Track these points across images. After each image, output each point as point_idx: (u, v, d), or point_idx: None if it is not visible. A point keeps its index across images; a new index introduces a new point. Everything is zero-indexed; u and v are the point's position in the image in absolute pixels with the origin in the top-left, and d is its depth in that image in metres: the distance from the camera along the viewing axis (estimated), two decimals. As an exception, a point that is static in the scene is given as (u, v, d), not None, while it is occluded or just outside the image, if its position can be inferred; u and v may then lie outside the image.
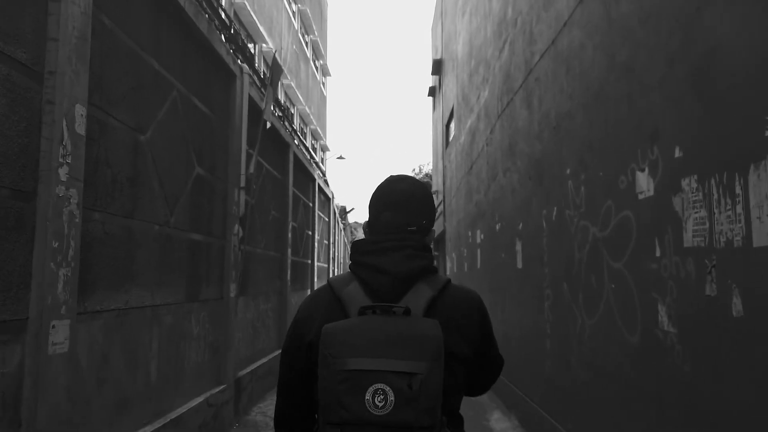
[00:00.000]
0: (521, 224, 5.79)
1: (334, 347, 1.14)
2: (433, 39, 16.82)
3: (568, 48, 4.23)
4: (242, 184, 6.01)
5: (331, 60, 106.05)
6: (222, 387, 5.35)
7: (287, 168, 8.79)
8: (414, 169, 42.80)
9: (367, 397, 1.09)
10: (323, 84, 31.19)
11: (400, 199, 1.37)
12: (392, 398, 1.08)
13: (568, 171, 4.26)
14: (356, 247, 1.35)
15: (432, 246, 1.43)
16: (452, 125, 12.90)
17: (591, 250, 3.77)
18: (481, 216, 8.41)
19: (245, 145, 6.12)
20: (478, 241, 8.64)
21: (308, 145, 23.72)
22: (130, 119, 3.67)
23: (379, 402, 1.08)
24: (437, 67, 15.32)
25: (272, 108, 7.06)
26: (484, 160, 8.06)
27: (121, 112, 3.56)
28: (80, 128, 2.92)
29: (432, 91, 17.57)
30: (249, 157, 6.26)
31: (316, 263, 12.04)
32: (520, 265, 5.82)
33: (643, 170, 2.99)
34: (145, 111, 3.91)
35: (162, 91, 4.20)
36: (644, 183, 2.97)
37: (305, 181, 11.00)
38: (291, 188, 8.91)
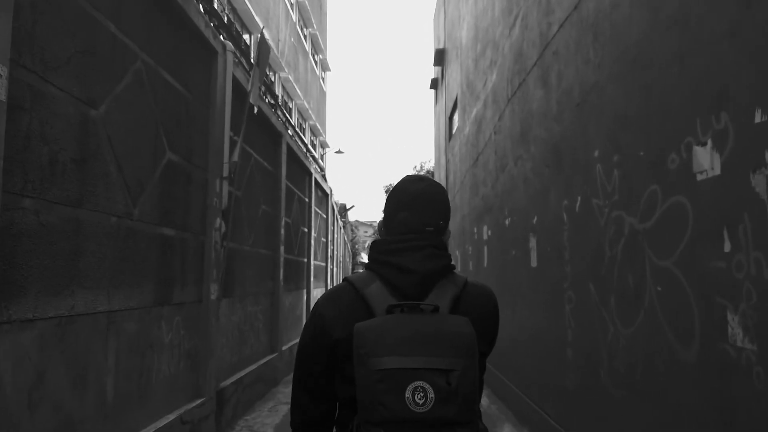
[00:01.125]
0: (536, 218, 5.18)
1: (368, 346, 1.13)
2: (435, 28, 16.20)
3: (596, 10, 3.62)
4: (225, 173, 5.42)
5: (331, 55, 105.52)
6: (200, 401, 4.75)
7: (279, 159, 8.19)
8: (415, 167, 42.22)
9: (407, 395, 1.09)
10: (323, 79, 30.58)
11: (416, 199, 1.36)
12: (432, 395, 1.09)
13: (596, 153, 3.65)
14: (376, 246, 1.35)
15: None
16: (456, 117, 12.28)
17: (627, 245, 3.17)
18: (488, 210, 7.80)
19: (229, 130, 5.52)
20: (485, 237, 8.04)
21: (307, 141, 23.11)
22: (76, 89, 3.07)
23: (420, 399, 1.08)
24: (439, 58, 14.71)
25: (260, 91, 6.46)
26: (492, 150, 7.45)
27: (64, 79, 2.96)
28: (-6, 90, 2.32)
29: (434, 84, 16.96)
30: (233, 144, 5.65)
31: (312, 262, 11.44)
32: (534, 263, 5.22)
33: (703, 144, 2.38)
34: (99, 81, 3.31)
35: (122, 60, 3.60)
36: (706, 160, 2.37)
37: (300, 175, 10.40)
38: (284, 181, 8.31)
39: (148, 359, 3.94)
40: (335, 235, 18.06)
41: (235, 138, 5.70)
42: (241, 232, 6.34)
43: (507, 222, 6.48)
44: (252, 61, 5.74)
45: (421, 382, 1.10)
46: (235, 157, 5.52)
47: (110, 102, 3.44)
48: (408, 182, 1.41)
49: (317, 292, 12.31)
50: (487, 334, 1.33)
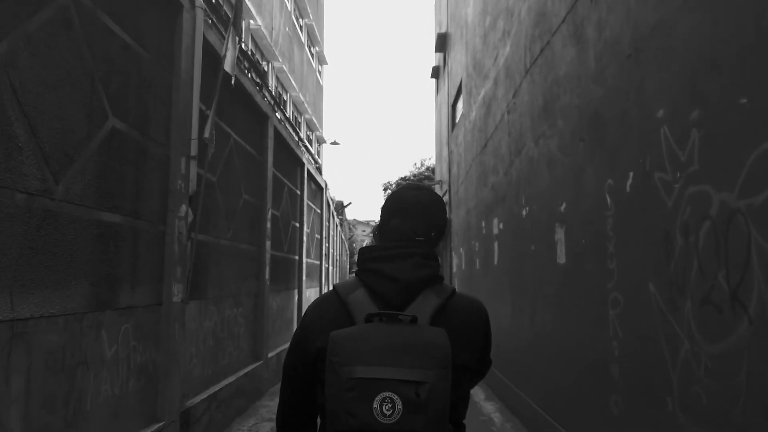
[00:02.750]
0: (564, 205, 4.32)
1: (341, 355, 1.12)
2: (436, 13, 15.34)
3: (660, -74, 2.76)
4: (193, 152, 4.55)
5: (329, 49, 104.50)
6: (158, 426, 3.89)
7: (265, 144, 7.31)
8: (415, 164, 41.43)
9: (374, 406, 1.07)
10: (319, 73, 29.70)
11: (409, 207, 1.36)
12: (400, 407, 1.07)
13: (659, 113, 2.79)
14: (363, 253, 1.34)
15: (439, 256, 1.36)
16: (460, 103, 11.42)
17: (716, 230, 2.31)
18: (499, 201, 6.94)
19: (198, 102, 4.65)
20: (495, 231, 7.18)
21: (303, 135, 22.22)
22: (-48, 11, 2.20)
23: (387, 410, 1.07)
24: (441, 43, 13.85)
25: (238, 59, 5.60)
26: (504, 133, 6.59)
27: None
28: None
29: (435, 72, 16.10)
30: (204, 118, 4.79)
31: (305, 260, 10.57)
32: (562, 259, 4.36)
33: None
34: (-5, 8, 2.44)
35: (35, -13, 2.73)
36: None
37: (291, 165, 9.53)
38: (270, 169, 7.44)
39: (81, 380, 3.07)
40: (331, 232, 17.18)
41: (207, 111, 4.83)
42: (217, 224, 5.48)
43: (524, 212, 5.62)
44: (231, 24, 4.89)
45: (390, 393, 1.07)
46: (207, 134, 4.66)
47: (17, 40, 2.57)
48: (404, 189, 1.40)
49: (310, 293, 11.43)
50: (471, 347, 1.28)
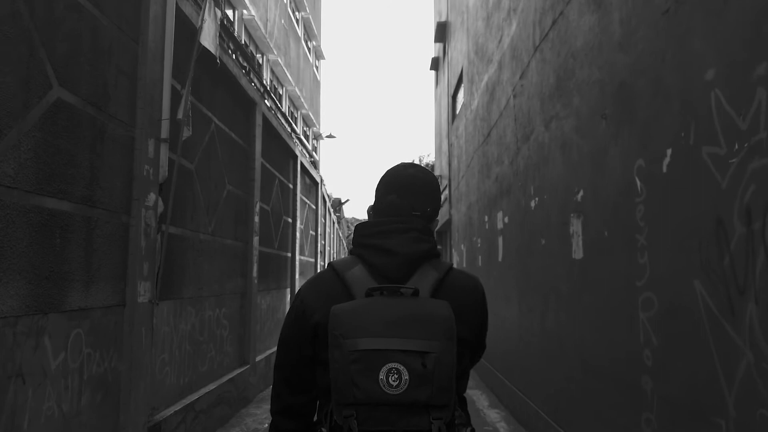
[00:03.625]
0: (581, 193, 3.83)
1: (344, 328, 1.11)
2: (435, 3, 14.84)
3: None
4: (164, 134, 4.05)
5: (327, 45, 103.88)
6: (119, 445, 3.39)
7: (253, 132, 6.81)
8: (413, 161, 40.84)
9: (380, 377, 1.06)
10: (317, 68, 29.17)
11: (405, 183, 1.35)
12: (407, 377, 1.06)
13: (709, 75, 2.30)
14: (360, 229, 1.32)
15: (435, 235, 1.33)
16: (460, 93, 10.93)
17: (795, 213, 1.82)
18: (504, 193, 6.45)
19: (170, 78, 4.15)
20: (500, 226, 6.68)
21: (299, 131, 21.70)
22: None
23: (394, 381, 1.05)
24: (441, 32, 13.35)
25: (220, 36, 5.09)
26: (510, 119, 6.10)
27: None
28: None
29: (434, 64, 15.60)
30: (178, 98, 4.29)
31: (298, 257, 10.07)
32: (578, 253, 3.87)
33: None
34: None
35: None
36: None
37: (283, 157, 9.02)
38: (259, 159, 6.94)
39: (14, 396, 2.57)
40: (327, 229, 16.68)
41: (182, 90, 4.34)
42: (196, 216, 4.98)
43: (533, 204, 5.13)
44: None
45: (396, 364, 1.06)
46: (180, 115, 4.16)
47: None
48: (400, 167, 1.40)
49: (304, 292, 10.94)
50: (471, 321, 1.26)
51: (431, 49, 14.45)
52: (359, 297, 1.19)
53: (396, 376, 1.06)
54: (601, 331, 3.45)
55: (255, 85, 7.37)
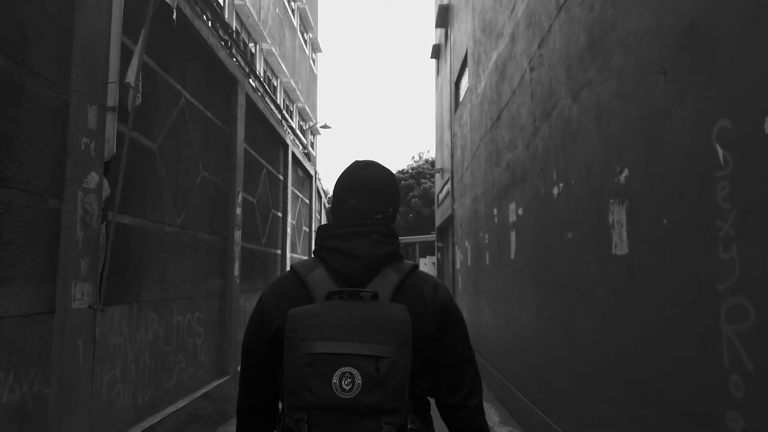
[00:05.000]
0: (625, 172, 3.09)
1: (301, 331, 1.10)
2: (437, -13, 14.06)
3: None
4: (111, 102, 3.30)
5: (324, 38, 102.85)
6: (42, 491, 2.64)
7: (234, 114, 6.06)
8: (413, 157, 40.16)
9: (334, 381, 1.06)
10: (313, 61, 28.39)
11: (366, 186, 1.35)
12: (359, 381, 1.06)
13: None
14: (322, 232, 1.32)
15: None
16: (464, 78, 10.18)
17: None
18: (517, 182, 5.70)
19: (120, 35, 3.40)
20: (512, 219, 5.94)
21: (295, 125, 20.92)
22: None
23: (347, 385, 1.06)
24: (443, 16, 12.59)
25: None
26: (525, 96, 5.35)
27: None
28: None
29: (436, 51, 14.85)
30: (129, 57, 3.54)
31: (289, 254, 9.32)
32: (622, 248, 3.13)
33: None
34: None
35: None
36: None
37: (271, 145, 8.27)
38: (242, 145, 6.18)
39: None
40: (323, 226, 15.94)
41: (132, 48, 3.58)
42: (159, 205, 4.23)
43: (555, 191, 4.38)
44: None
45: (350, 368, 1.06)
46: (132, 79, 3.41)
47: None
48: (358, 168, 1.37)
49: (296, 292, 10.19)
50: (429, 323, 1.24)
51: (431, 44, 13.70)
52: (319, 300, 1.19)
53: (349, 380, 1.05)
54: (657, 347, 2.71)
55: (238, 62, 6.60)
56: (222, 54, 5.55)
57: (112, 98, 3.30)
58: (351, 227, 1.28)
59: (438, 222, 15.45)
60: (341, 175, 1.38)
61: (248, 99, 6.60)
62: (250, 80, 7.18)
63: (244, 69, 6.86)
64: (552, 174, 4.48)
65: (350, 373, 1.05)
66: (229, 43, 6.47)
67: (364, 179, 1.34)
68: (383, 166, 1.39)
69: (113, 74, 3.32)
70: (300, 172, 10.86)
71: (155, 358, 4.15)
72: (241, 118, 6.19)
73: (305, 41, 25.96)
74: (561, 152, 4.25)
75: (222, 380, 5.51)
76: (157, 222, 4.18)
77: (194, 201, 4.95)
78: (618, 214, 3.19)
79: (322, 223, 1.39)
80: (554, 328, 4.36)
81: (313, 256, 1.32)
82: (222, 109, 5.77)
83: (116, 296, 3.53)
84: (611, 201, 3.28)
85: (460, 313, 1.32)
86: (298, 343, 1.08)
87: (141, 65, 3.41)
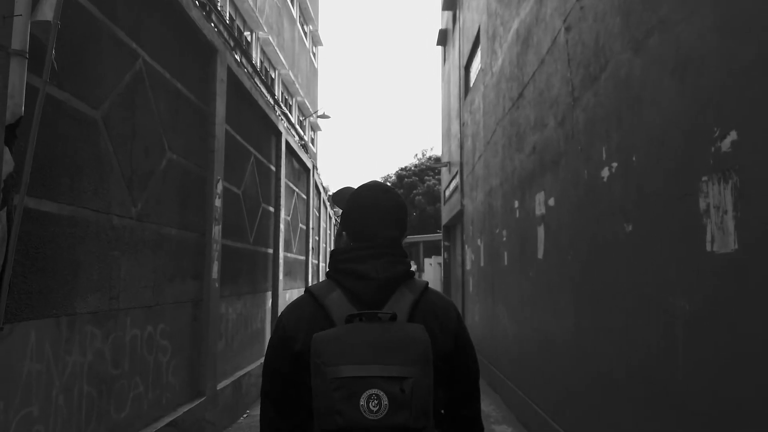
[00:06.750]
0: (730, 137, 2.19)
1: (326, 356, 1.13)
2: (444, -33, 13.14)
3: None
4: (17, 44, 2.42)
5: (325, 32, 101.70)
6: None
7: (212, 88, 5.16)
8: (416, 155, 39.25)
9: (361, 403, 1.08)
10: (314, 54, 27.51)
11: (381, 210, 1.37)
12: (386, 402, 1.09)
13: None
14: (336, 254, 1.36)
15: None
16: (476, 60, 9.28)
17: None
18: (547, 167, 4.80)
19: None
20: (540, 211, 5.04)
21: (294, 120, 20.03)
22: None
23: (374, 407, 1.08)
24: (451, -3, 11.69)
25: None
26: (559, 63, 4.45)
27: None
28: None
29: (443, 37, 13.94)
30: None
31: (283, 254, 8.43)
32: (724, 245, 2.23)
33: None
34: None
35: None
36: None
37: (261, 130, 7.37)
38: (222, 125, 5.29)
39: None
40: (322, 223, 15.03)
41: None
42: (104, 190, 3.33)
43: (606, 173, 3.48)
44: None
45: (376, 390, 1.09)
46: (48, 14, 2.52)
47: None
48: (371, 193, 1.40)
49: (291, 295, 9.30)
50: (444, 342, 1.29)
51: (438, 29, 12.80)
52: (339, 322, 1.22)
53: (376, 401, 1.08)
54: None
55: (216, 27, 5.70)
56: (195, 14, 4.65)
57: (18, 40, 2.41)
58: (364, 249, 1.31)
59: (445, 219, 14.54)
60: (358, 197, 1.39)
61: (231, 74, 5.71)
62: (236, 54, 6.27)
63: (226, 39, 5.96)
64: (600, 152, 3.57)
65: (376, 395, 1.08)
66: (207, 7, 5.57)
67: (377, 205, 1.37)
68: (392, 188, 1.43)
69: (20, 6, 2.43)
70: (296, 164, 9.96)
71: (98, 385, 3.26)
72: (221, 94, 5.30)
73: (305, 33, 25.09)
74: (614, 123, 3.35)
75: (196, 403, 4.62)
76: (101, 212, 3.28)
77: (157, 188, 4.06)
78: (715, 197, 2.28)
79: (335, 248, 1.35)
80: (608, 349, 3.45)
81: (327, 278, 1.35)
82: (195, 79, 4.88)
83: (32, 309, 2.64)
84: (704, 179, 2.37)
85: (467, 330, 1.38)
86: (324, 368, 1.11)
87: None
